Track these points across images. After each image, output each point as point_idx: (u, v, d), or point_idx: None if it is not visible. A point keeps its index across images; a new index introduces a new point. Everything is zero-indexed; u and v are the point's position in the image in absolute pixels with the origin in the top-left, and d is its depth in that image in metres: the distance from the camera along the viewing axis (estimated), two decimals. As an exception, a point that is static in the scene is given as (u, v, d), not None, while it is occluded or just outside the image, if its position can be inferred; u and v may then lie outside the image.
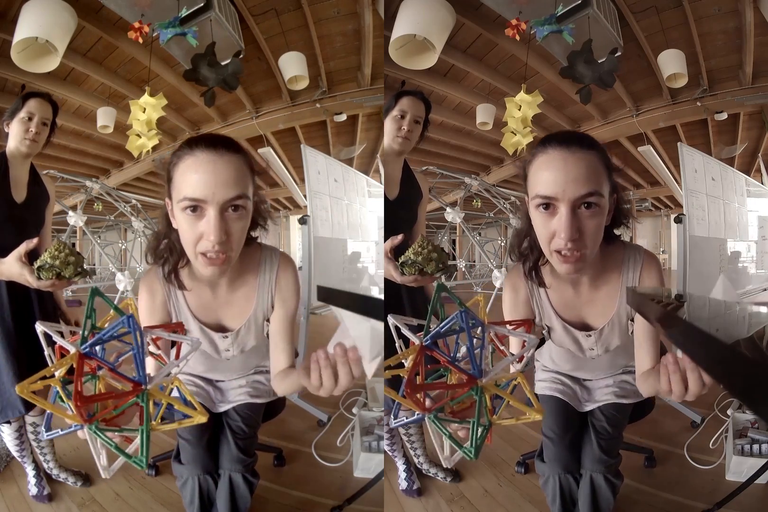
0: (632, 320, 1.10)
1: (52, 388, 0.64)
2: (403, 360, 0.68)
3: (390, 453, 1.69)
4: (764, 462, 1.59)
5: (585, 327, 1.17)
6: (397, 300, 1.49)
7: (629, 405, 1.26)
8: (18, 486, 1.65)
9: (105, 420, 0.65)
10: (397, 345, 0.74)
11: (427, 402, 0.67)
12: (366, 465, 1.75)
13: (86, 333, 0.65)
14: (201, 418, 0.71)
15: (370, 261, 3.40)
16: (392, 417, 0.71)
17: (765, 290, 3.13)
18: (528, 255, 1.03)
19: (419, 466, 1.73)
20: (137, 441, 0.65)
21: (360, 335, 0.70)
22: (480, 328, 0.68)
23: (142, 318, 1.07)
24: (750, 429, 1.73)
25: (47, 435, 0.69)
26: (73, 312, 1.64)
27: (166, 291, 1.08)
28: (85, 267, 1.04)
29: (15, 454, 1.59)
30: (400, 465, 1.69)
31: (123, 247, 5.40)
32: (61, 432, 0.69)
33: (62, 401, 0.63)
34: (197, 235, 0.87)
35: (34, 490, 1.59)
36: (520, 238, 1.04)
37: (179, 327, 0.84)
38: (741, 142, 3.68)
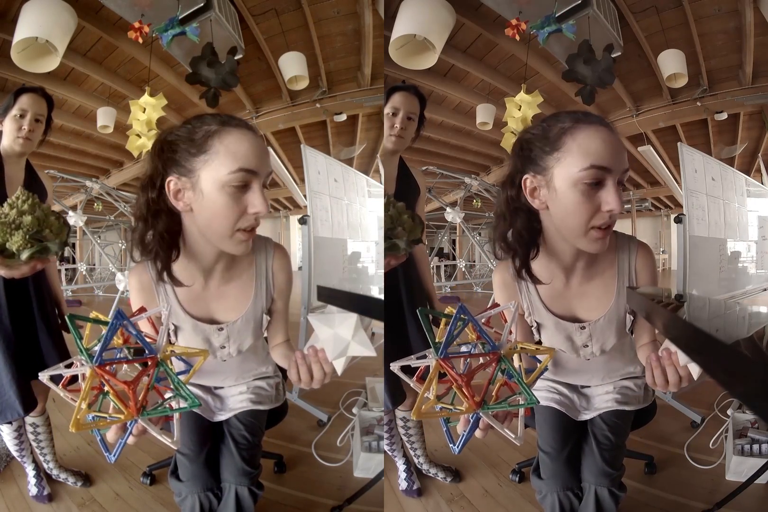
0: (631, 314, 1.08)
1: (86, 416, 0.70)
2: (427, 395, 0.70)
3: (390, 453, 1.69)
4: (764, 462, 1.59)
5: (577, 321, 1.11)
6: (397, 300, 1.48)
7: (631, 413, 1.21)
8: (18, 486, 1.65)
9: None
10: (413, 385, 0.74)
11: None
12: (366, 465, 1.75)
13: (85, 353, 0.66)
14: (206, 353, 0.75)
15: (370, 261, 3.40)
16: (453, 446, 0.72)
17: (765, 290, 3.12)
18: (516, 249, 0.97)
19: (419, 466, 1.73)
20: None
21: (326, 339, 0.79)
22: (472, 322, 0.72)
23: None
24: (750, 429, 1.73)
25: (114, 457, 0.72)
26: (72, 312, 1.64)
27: (155, 284, 1.04)
28: (47, 238, 0.72)
29: (15, 454, 1.59)
30: (400, 465, 1.69)
31: (123, 247, 5.39)
32: (122, 442, 0.71)
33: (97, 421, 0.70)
34: (241, 209, 0.86)
35: (34, 490, 1.59)
36: (503, 229, 0.98)
37: (143, 311, 0.82)
38: (741, 142, 3.68)
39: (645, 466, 1.71)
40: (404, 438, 1.68)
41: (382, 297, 1.41)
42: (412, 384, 0.74)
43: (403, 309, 1.49)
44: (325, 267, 2.68)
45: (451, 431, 0.73)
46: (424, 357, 0.70)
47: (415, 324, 1.49)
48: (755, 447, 1.66)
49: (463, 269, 5.65)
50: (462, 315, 0.71)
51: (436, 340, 0.69)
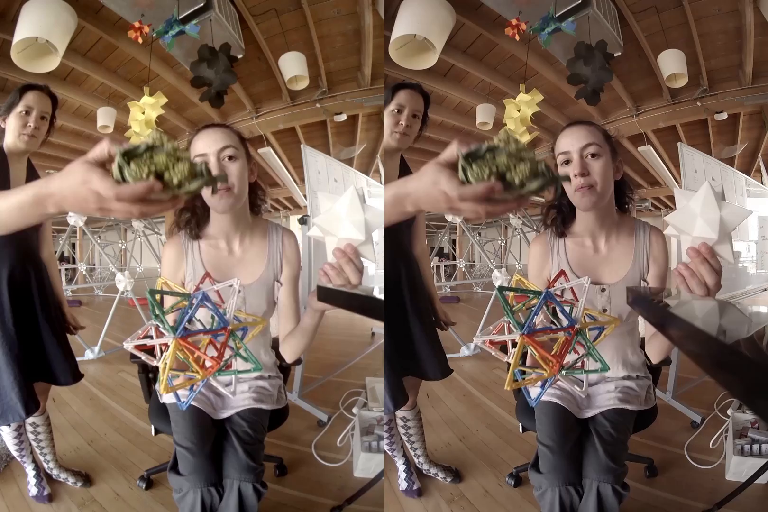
0: (645, 280, 1.23)
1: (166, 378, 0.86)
2: (508, 361, 0.87)
3: (390, 453, 1.69)
4: (764, 462, 1.59)
5: (599, 285, 1.21)
6: (400, 299, 1.48)
7: (633, 413, 1.22)
8: (18, 486, 1.65)
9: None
10: (495, 354, 0.90)
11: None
12: (366, 465, 1.75)
13: (168, 326, 0.81)
14: (265, 321, 0.94)
15: (370, 261, 3.39)
16: (531, 400, 0.95)
17: (765, 290, 3.13)
18: (556, 213, 1.26)
19: (419, 466, 1.73)
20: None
21: (345, 235, 0.83)
22: (548, 297, 0.88)
23: (167, 275, 1.21)
24: (750, 429, 1.73)
25: (186, 405, 0.92)
26: (73, 313, 1.64)
27: (185, 253, 1.23)
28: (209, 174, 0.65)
29: (15, 454, 1.58)
30: (400, 465, 1.69)
31: (123, 247, 5.39)
32: (192, 395, 0.91)
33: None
34: None
35: (34, 490, 1.59)
36: (549, 207, 1.28)
37: (209, 278, 1.01)
38: (741, 142, 3.68)
39: (645, 469, 1.70)
40: (404, 438, 1.68)
41: (382, 297, 1.40)
42: (494, 354, 0.88)
43: (407, 309, 1.48)
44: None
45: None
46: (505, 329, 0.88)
47: (419, 324, 1.49)
48: (755, 447, 1.66)
49: (463, 269, 5.65)
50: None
51: (509, 309, 0.85)
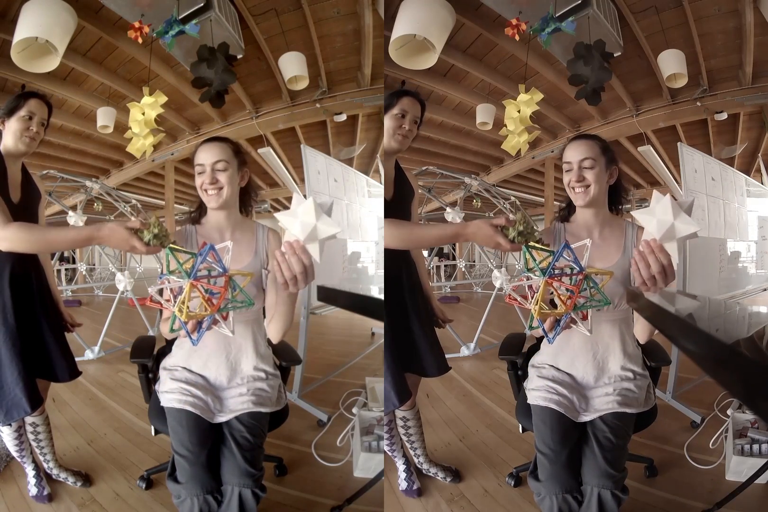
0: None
1: (173, 319, 1.02)
2: (530, 308, 1.03)
3: (390, 453, 1.69)
4: (764, 462, 1.59)
5: None
6: (400, 300, 1.48)
7: (633, 416, 1.22)
8: (18, 486, 1.65)
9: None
10: (520, 300, 1.05)
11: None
12: (366, 465, 1.75)
13: (185, 271, 0.98)
14: (252, 274, 1.06)
15: (369, 261, 3.40)
16: (548, 337, 1.05)
17: (765, 290, 3.13)
18: (564, 208, 1.46)
19: (419, 466, 1.73)
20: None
21: (296, 231, 0.98)
22: (566, 248, 1.03)
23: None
24: (750, 429, 1.73)
25: (198, 341, 1.02)
26: (72, 313, 1.65)
27: (186, 240, 1.37)
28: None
29: (15, 454, 1.58)
30: (400, 465, 1.69)
31: (123, 246, 5.38)
32: (203, 330, 1.02)
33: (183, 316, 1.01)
34: (202, 181, 1.33)
35: (34, 490, 1.59)
36: (562, 206, 1.50)
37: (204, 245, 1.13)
38: (741, 142, 3.68)
39: (645, 469, 1.70)
40: (404, 438, 1.68)
41: (382, 297, 1.41)
42: (519, 299, 1.04)
43: (407, 307, 1.49)
44: (325, 268, 2.68)
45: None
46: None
47: (418, 321, 1.49)
48: (755, 447, 1.66)
49: (463, 269, 5.65)
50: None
51: (529, 266, 1.03)
